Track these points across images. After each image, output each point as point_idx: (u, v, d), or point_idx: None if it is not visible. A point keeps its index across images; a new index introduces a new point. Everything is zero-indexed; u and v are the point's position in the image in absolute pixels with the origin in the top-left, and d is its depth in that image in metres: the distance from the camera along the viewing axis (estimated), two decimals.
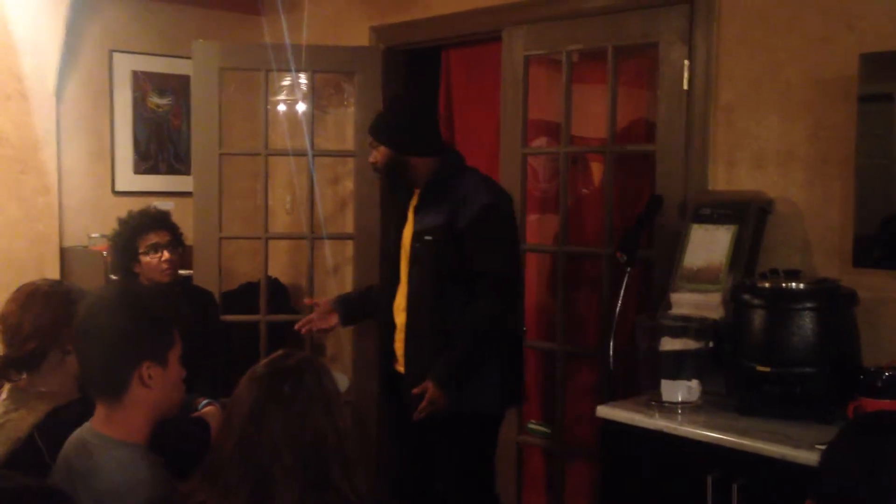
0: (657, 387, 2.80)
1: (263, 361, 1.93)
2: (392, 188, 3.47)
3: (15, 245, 4.52)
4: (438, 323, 3.22)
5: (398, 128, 3.34)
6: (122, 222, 3.59)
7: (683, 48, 3.38)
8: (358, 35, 4.64)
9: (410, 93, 4.56)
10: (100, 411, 2.07)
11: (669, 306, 3.03)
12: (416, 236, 3.27)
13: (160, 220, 3.60)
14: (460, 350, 3.17)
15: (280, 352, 1.95)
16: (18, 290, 2.57)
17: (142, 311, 2.10)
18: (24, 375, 2.48)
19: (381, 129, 3.34)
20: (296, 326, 3.77)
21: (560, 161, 3.83)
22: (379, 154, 3.31)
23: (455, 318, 3.20)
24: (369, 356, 4.44)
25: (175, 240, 3.60)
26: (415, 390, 3.15)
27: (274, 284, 4.91)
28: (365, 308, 3.73)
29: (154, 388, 2.05)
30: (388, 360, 3.42)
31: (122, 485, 1.97)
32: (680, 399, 2.76)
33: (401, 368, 3.34)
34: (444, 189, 3.26)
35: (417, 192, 3.35)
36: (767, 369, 2.63)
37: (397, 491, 3.53)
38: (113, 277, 4.03)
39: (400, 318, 3.33)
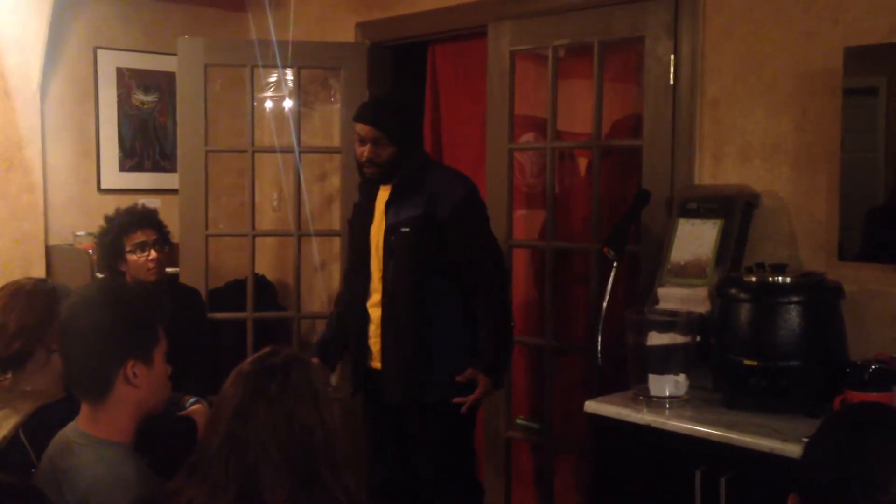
0: (645, 381, 2.80)
1: (250, 359, 1.92)
2: (374, 184, 3.35)
3: (0, 244, 4.50)
4: (417, 316, 3.22)
5: (408, 128, 3.32)
6: (108, 220, 3.57)
7: (669, 43, 3.38)
8: (344, 31, 4.63)
9: (404, 89, 4.55)
10: (85, 411, 2.07)
11: (656, 301, 3.03)
12: (392, 230, 3.24)
13: (147, 219, 3.58)
14: (496, 344, 3.24)
15: (267, 349, 1.95)
16: (2, 289, 2.56)
17: (125, 309, 2.09)
18: (9, 375, 2.47)
19: (394, 127, 3.25)
20: None
21: (547, 156, 3.83)
22: (385, 152, 3.23)
23: (434, 311, 3.23)
24: None
25: (162, 238, 3.58)
26: (459, 378, 3.19)
27: (261, 281, 4.90)
28: (344, 345, 3.57)
29: (139, 386, 2.04)
30: (361, 357, 3.38)
31: (107, 484, 1.96)
32: (667, 393, 2.77)
33: (376, 364, 3.32)
34: (417, 182, 3.26)
35: (383, 187, 3.32)
36: (754, 363, 2.64)
37: (378, 487, 3.50)
38: (99, 275, 4.02)
39: (375, 313, 3.31)
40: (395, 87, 4.60)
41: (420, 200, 3.22)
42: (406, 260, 3.22)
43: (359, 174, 3.37)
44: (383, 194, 3.33)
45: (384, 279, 3.27)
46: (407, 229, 3.21)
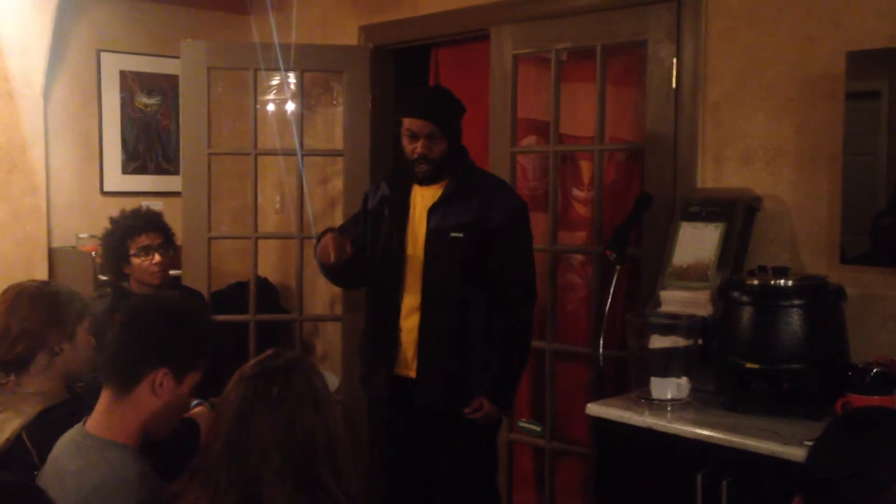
0: (647, 384, 2.81)
1: (252, 362, 1.92)
2: (421, 182, 3.20)
3: (2, 246, 4.51)
4: (459, 324, 3.13)
5: (457, 121, 3.20)
6: (113, 222, 3.56)
7: (671, 46, 3.39)
8: (346, 34, 4.64)
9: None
10: (100, 403, 2.07)
11: (658, 304, 3.04)
12: (437, 233, 3.13)
13: (152, 222, 3.56)
14: (508, 363, 3.17)
15: (269, 352, 1.95)
16: (5, 291, 2.56)
17: (186, 324, 2.13)
18: (12, 377, 2.48)
19: (447, 122, 3.13)
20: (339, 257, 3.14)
21: (549, 160, 3.84)
22: (437, 147, 3.11)
23: (472, 320, 3.14)
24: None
25: (167, 241, 3.56)
26: (466, 410, 3.11)
27: (263, 284, 4.90)
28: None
29: (160, 397, 2.05)
30: (385, 363, 3.24)
31: (111, 485, 1.97)
32: (669, 396, 2.77)
33: (408, 372, 3.20)
34: (467, 186, 3.16)
35: (420, 186, 3.20)
36: (756, 366, 2.64)
37: (391, 495, 3.40)
38: (102, 278, 4.02)
39: (411, 319, 3.18)
40: (396, 90, 4.61)
41: (471, 206, 3.12)
42: (453, 266, 3.11)
43: (391, 171, 3.26)
44: (420, 193, 3.21)
45: (426, 283, 3.15)
46: (459, 234, 3.10)
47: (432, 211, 3.16)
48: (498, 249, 3.13)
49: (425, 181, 3.19)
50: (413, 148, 3.13)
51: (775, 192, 3.14)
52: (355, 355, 4.42)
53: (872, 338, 2.85)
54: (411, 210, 3.22)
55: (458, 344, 3.14)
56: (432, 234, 3.15)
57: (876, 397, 2.44)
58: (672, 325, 2.83)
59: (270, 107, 4.95)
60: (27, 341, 2.44)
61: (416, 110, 3.14)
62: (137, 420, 2.06)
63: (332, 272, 3.34)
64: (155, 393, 2.05)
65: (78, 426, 2.09)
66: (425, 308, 3.15)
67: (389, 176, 3.37)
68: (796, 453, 2.32)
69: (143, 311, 2.13)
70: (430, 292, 3.15)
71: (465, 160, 3.25)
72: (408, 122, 3.13)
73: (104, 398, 2.08)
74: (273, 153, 4.72)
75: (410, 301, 3.18)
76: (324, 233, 3.23)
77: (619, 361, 3.53)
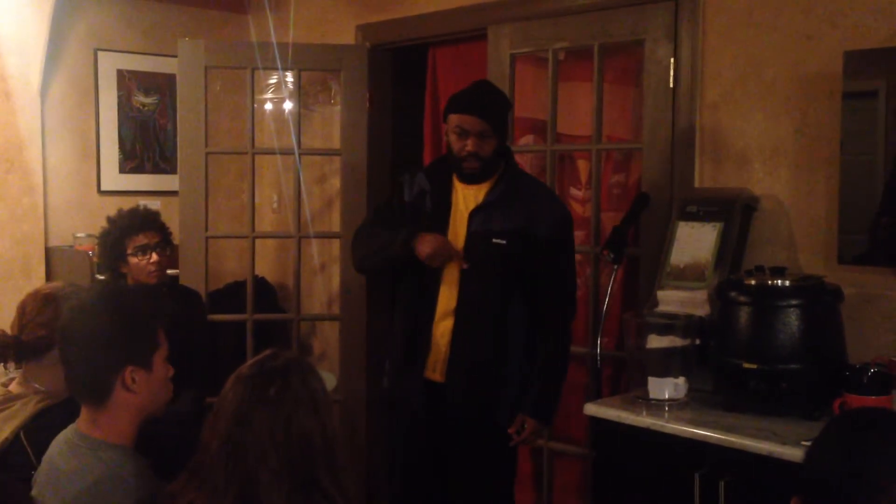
0: (644, 384, 2.81)
1: (250, 362, 1.92)
2: (468, 181, 3.11)
3: (0, 245, 4.50)
4: (494, 332, 3.05)
5: (506, 119, 3.14)
6: (110, 221, 3.55)
7: (669, 46, 3.39)
8: (344, 33, 4.64)
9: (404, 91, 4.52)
10: (85, 414, 2.07)
11: (656, 304, 3.04)
12: (479, 237, 3.04)
13: (149, 221, 3.55)
14: (550, 379, 3.12)
15: (267, 352, 1.94)
16: (42, 287, 2.66)
17: (123, 315, 2.07)
18: (22, 366, 2.50)
19: (499, 119, 3.06)
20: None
21: (547, 159, 3.84)
22: (488, 145, 3.02)
23: (512, 330, 3.07)
24: (356, 355, 4.44)
25: (164, 241, 3.55)
26: (511, 430, 3.07)
27: (261, 283, 4.90)
28: None
29: (138, 391, 2.03)
30: (418, 368, 3.12)
31: (107, 486, 1.96)
32: (667, 396, 2.77)
33: (436, 377, 3.11)
34: (515, 191, 3.08)
35: (463, 185, 3.11)
36: (754, 366, 2.64)
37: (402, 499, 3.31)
38: (99, 277, 4.02)
39: (445, 323, 3.08)
40: (393, 90, 4.61)
41: (517, 213, 3.04)
42: (493, 272, 3.03)
43: (430, 164, 3.21)
44: (462, 192, 3.12)
45: (462, 287, 3.06)
46: (502, 241, 3.01)
47: (475, 213, 3.07)
48: (542, 262, 3.05)
49: (473, 179, 3.10)
50: (463, 145, 3.03)
51: (773, 191, 3.14)
52: (354, 355, 4.46)
53: (870, 338, 2.86)
54: (453, 209, 3.12)
55: (492, 352, 3.07)
56: (473, 238, 3.05)
57: (873, 397, 2.45)
58: (670, 324, 2.83)
59: (268, 106, 4.95)
60: (49, 329, 2.45)
61: (469, 107, 3.04)
62: (127, 419, 2.05)
63: (392, 263, 3.18)
64: (130, 391, 2.03)
65: (72, 426, 2.08)
66: (460, 313, 3.06)
67: (428, 169, 3.26)
68: (794, 453, 2.32)
69: (80, 325, 2.06)
70: (466, 297, 3.05)
71: (511, 161, 3.17)
72: (458, 119, 3.04)
73: (85, 411, 2.07)
74: (270, 152, 4.72)
75: (445, 304, 3.08)
76: (411, 231, 3.07)
77: (616, 361, 3.54)
